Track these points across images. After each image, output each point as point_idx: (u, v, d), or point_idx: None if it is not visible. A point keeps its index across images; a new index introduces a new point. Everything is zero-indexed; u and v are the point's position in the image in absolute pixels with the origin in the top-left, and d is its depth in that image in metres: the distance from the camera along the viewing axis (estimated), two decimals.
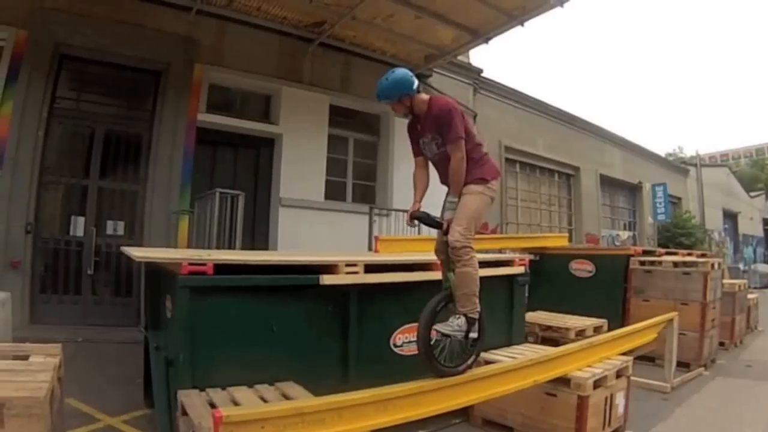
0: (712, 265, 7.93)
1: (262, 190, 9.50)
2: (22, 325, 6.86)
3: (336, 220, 9.43)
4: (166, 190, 8.32)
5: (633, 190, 19.76)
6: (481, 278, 3.71)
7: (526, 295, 8.29)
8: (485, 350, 4.37)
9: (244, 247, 7.43)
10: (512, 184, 13.91)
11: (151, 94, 8.67)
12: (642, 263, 8.38)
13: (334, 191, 10.12)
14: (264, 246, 8.97)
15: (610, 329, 6.67)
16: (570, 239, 15.42)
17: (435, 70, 11.36)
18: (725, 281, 9.48)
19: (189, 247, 7.93)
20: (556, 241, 9.97)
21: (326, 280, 4.03)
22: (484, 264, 4.69)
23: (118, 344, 6.80)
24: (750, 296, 10.93)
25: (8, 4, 7.36)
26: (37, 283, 7.59)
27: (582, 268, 8.97)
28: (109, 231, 8.12)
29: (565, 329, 6.50)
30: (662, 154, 25.42)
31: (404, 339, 4.54)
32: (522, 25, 8.96)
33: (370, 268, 4.35)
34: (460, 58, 11.75)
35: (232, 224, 7.33)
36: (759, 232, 33.00)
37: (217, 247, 7.04)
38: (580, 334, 6.42)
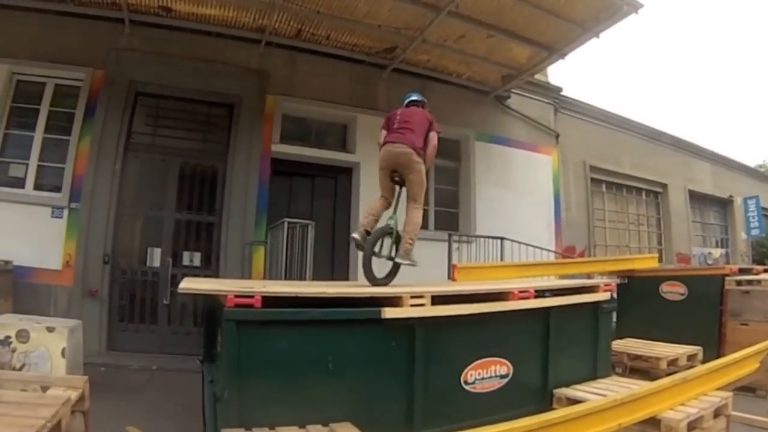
0: None
1: (341, 220, 9.05)
2: (100, 352, 7.09)
3: (418, 248, 8.58)
4: (242, 220, 8.15)
5: (724, 204, 17.97)
6: (562, 306, 4.37)
7: (614, 321, 7.58)
8: (567, 386, 4.39)
9: (319, 278, 7.07)
10: (599, 204, 12.67)
11: (225, 126, 8.63)
12: (738, 283, 7.37)
13: None
14: (344, 276, 8.51)
15: (705, 356, 6.09)
16: (660, 260, 14.06)
17: (513, 91, 10.55)
18: None
19: (264, 278, 7.69)
20: (645, 262, 8.87)
21: (388, 313, 3.55)
22: (564, 291, 4.77)
23: (192, 373, 6.50)
24: None
25: (85, 47, 7.71)
26: (115, 312, 7.65)
27: (673, 291, 8.01)
28: (186, 262, 8.08)
29: (655, 359, 5.65)
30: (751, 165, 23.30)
31: (477, 375, 3.99)
32: (597, 36, 8.22)
33: (438, 300, 3.82)
34: (538, 77, 10.86)
35: (303, 254, 7.06)
36: None
37: (288, 278, 6.92)
38: (673, 363, 5.68)
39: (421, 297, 3.71)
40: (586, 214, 11.59)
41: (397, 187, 5.29)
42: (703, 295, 7.65)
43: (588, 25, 8.09)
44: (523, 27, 8.26)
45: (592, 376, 4.72)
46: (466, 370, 3.95)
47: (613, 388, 4.31)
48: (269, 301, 3.31)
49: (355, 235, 5.04)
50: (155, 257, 7.94)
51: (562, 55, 8.90)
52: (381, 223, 5.24)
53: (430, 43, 8.70)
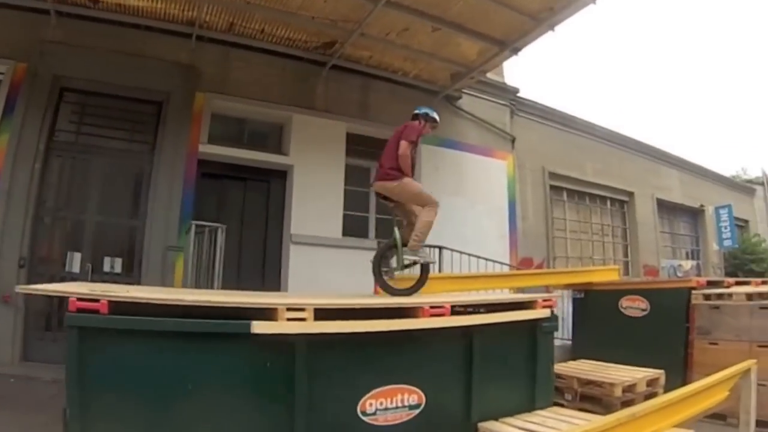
0: None
1: (273, 227, 8.43)
2: (12, 362, 6.70)
3: (357, 258, 7.89)
4: (165, 225, 7.58)
5: (694, 214, 17.47)
6: (489, 325, 3.91)
7: (569, 340, 7.86)
8: (496, 418, 3.90)
9: (245, 287, 6.62)
10: (559, 214, 11.98)
11: (153, 125, 8.03)
12: (707, 297, 6.66)
13: (354, 227, 8.81)
14: (276, 287, 7.89)
15: (669, 381, 5.66)
16: (626, 272, 13.50)
17: (465, 91, 9.94)
18: None
19: (184, 286, 7.07)
20: (605, 274, 8.23)
21: (259, 327, 3.01)
22: (495, 306, 4.33)
23: None
24: None
25: (7, 39, 7.19)
26: (30, 320, 7.12)
27: (634, 306, 7.34)
28: (106, 268, 7.49)
29: (609, 385, 5.08)
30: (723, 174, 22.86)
31: (378, 405, 3.42)
32: (552, 29, 7.66)
33: (325, 314, 3.27)
34: (493, 77, 10.28)
35: (211, 260, 6.70)
36: None
37: (196, 287, 6.58)
38: (630, 390, 5.16)
39: (301, 310, 3.15)
40: (545, 223, 10.91)
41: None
42: (667, 311, 6.99)
43: (542, 17, 7.54)
44: (471, 19, 7.68)
45: (529, 406, 4.18)
46: (363, 399, 3.37)
47: (549, 423, 3.84)
48: (121, 307, 2.89)
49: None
50: (75, 262, 7.38)
51: (515, 50, 8.31)
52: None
53: (371, 37, 8.08)
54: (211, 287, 6.42)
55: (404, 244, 4.99)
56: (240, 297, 3.56)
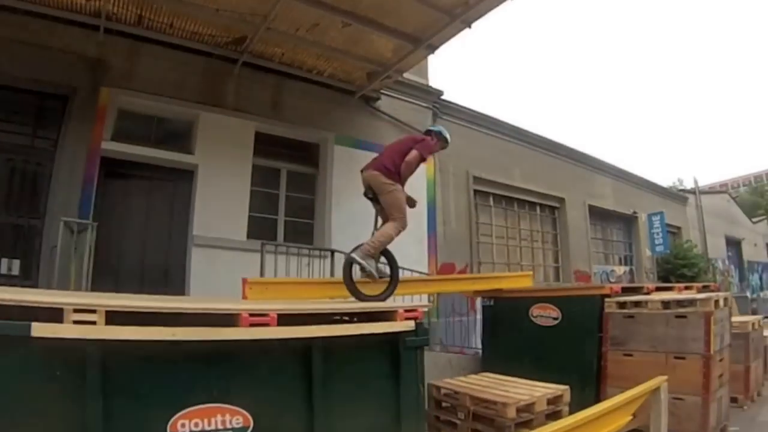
0: (717, 301, 5.77)
1: (178, 228, 7.98)
2: None
3: (234, 258, 7.67)
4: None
5: (628, 221, 17.71)
6: (333, 339, 3.39)
7: (482, 350, 7.55)
8: None
9: (104, 289, 5.91)
10: (485, 218, 11.83)
11: (57, 121, 7.53)
12: (621, 305, 6.21)
13: (262, 229, 8.43)
14: (180, 291, 7.45)
15: (582, 395, 5.47)
16: (557, 277, 13.47)
17: (385, 92, 9.69)
18: (735, 319, 7.31)
19: (77, 288, 6.47)
20: (517, 281, 7.81)
21: (40, 330, 2.50)
22: (341, 316, 4.00)
23: None
24: (766, 333, 8.81)
25: None
26: None
27: (545, 315, 6.92)
28: (3, 270, 6.98)
29: (501, 405, 4.58)
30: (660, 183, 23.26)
31: (193, 426, 2.90)
32: (469, 26, 7.44)
33: (124, 318, 2.80)
34: (415, 78, 10.07)
35: (80, 261, 6.33)
36: (764, 257, 30.90)
37: (73, 288, 6.10)
38: (527, 410, 4.72)
39: (91, 311, 2.68)
40: (468, 228, 10.71)
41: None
42: (580, 320, 6.56)
43: (456, 13, 7.30)
44: (382, 14, 7.39)
45: (393, 430, 3.67)
46: (174, 419, 2.88)
47: None
48: None
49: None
50: None
51: (431, 48, 8.08)
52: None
53: (280, 32, 7.74)
54: (80, 290, 6.01)
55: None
56: (28, 295, 3.05)
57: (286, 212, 8.85)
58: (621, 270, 16.88)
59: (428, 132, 5.64)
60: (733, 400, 6.72)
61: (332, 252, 7.84)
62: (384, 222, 5.17)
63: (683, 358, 5.50)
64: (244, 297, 5.08)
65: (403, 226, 5.04)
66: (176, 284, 7.65)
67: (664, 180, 39.25)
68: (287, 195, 8.89)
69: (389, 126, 9.73)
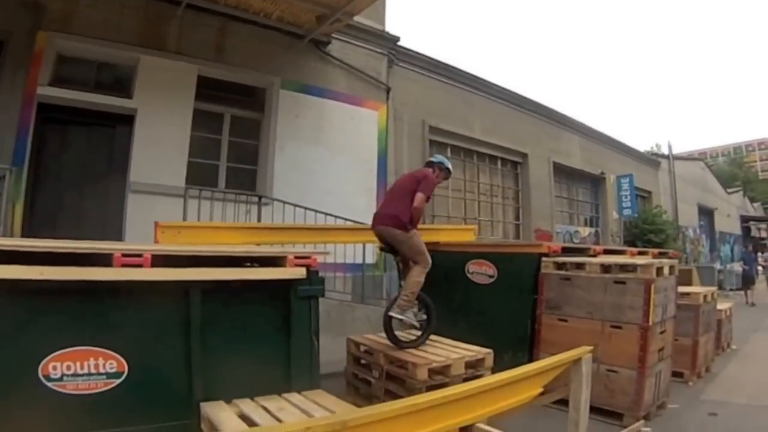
0: (660, 269, 5.31)
1: (117, 175, 7.68)
2: None
3: (202, 208, 7.31)
4: None
5: (595, 181, 17.61)
6: (216, 284, 3.30)
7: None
8: (228, 400, 3.28)
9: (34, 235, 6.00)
10: None
11: None
12: (559, 266, 5.79)
13: (203, 176, 8.13)
14: (117, 239, 7.14)
15: (515, 359, 5.02)
16: (517, 235, 13.35)
17: (338, 36, 9.34)
18: (684, 289, 7.06)
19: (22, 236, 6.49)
20: (457, 234, 7.53)
21: None
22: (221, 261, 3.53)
23: None
24: (721, 306, 8.55)
25: None
26: None
27: (481, 272, 6.48)
28: None
29: (412, 365, 4.24)
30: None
31: (65, 370, 2.89)
32: None
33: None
34: (370, 23, 9.78)
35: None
36: (737, 229, 31.18)
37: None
38: (443, 372, 4.37)
39: None
40: None
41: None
42: (516, 279, 6.18)
43: None
44: None
45: (284, 387, 3.54)
46: (45, 360, 2.83)
47: (290, 410, 3.18)
48: None
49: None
50: None
51: None
52: None
53: None
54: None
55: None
56: None
57: (229, 158, 8.58)
58: (586, 231, 16.84)
59: (429, 163, 5.61)
60: (678, 375, 6.50)
61: (259, 198, 7.68)
62: (404, 266, 5.14)
63: (620, 328, 5.18)
64: (156, 241, 4.83)
65: (427, 264, 5.02)
66: (113, 232, 7.37)
67: (642, 145, 39.31)
68: (230, 140, 8.60)
69: (340, 71, 9.42)
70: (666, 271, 5.49)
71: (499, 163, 13.12)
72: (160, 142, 7.64)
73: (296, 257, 3.68)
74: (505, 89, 13.14)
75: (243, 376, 3.41)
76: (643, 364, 5.02)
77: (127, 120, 7.70)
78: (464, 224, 11.72)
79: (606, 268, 5.44)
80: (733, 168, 57.77)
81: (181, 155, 7.84)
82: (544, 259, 5.93)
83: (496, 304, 6.22)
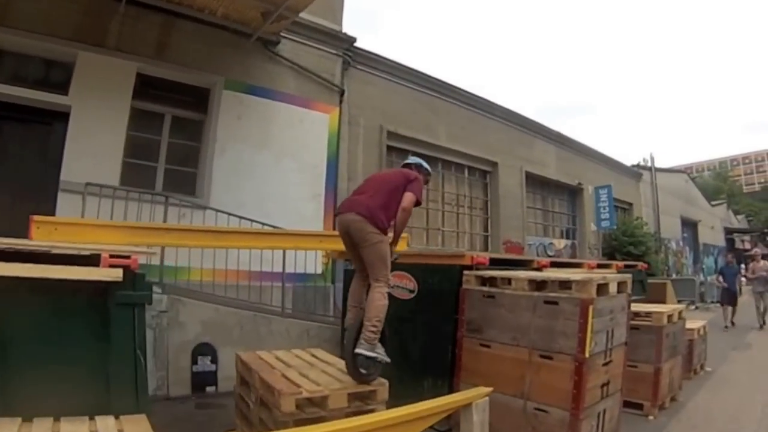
0: (603, 285, 4.41)
1: (49, 173, 7.35)
2: None
3: (131, 210, 6.98)
4: None
5: (572, 192, 17.38)
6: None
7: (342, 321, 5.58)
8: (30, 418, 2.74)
9: None
10: None
11: None
12: (483, 281, 4.99)
13: (140, 177, 7.84)
14: None
15: (435, 389, 4.64)
16: (485, 247, 13.02)
17: (288, 36, 9.09)
18: (650, 308, 6.38)
19: None
20: None
21: None
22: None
23: None
24: (693, 325, 7.85)
25: None
26: None
27: (401, 285, 5.62)
28: None
29: (279, 393, 3.50)
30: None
31: None
32: None
33: None
34: (325, 23, 9.54)
35: None
36: (720, 241, 31.24)
37: None
38: (317, 405, 3.60)
39: None
40: None
41: None
42: (437, 296, 5.41)
43: None
44: None
45: (105, 409, 3.03)
46: None
47: None
48: None
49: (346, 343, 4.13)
50: None
51: None
52: None
53: None
54: None
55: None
56: None
57: (169, 160, 8.25)
58: (561, 243, 16.56)
59: (407, 166, 4.80)
60: (637, 407, 5.78)
61: (166, 197, 7.25)
62: (358, 275, 4.43)
63: (550, 358, 4.31)
64: (30, 237, 4.41)
65: (388, 282, 4.20)
66: None
67: (629, 161, 39.30)
68: (171, 142, 8.28)
69: (290, 72, 9.11)
70: (612, 288, 4.57)
71: (466, 171, 12.81)
72: (95, 141, 7.35)
73: (112, 256, 3.17)
74: (474, 95, 12.87)
75: (52, 393, 2.95)
76: (577, 405, 4.11)
77: (63, 117, 7.42)
78: (426, 235, 11.41)
79: (536, 285, 4.59)
80: (718, 182, 59.07)
81: (115, 155, 7.54)
82: (466, 272, 5.15)
83: (416, 324, 5.47)
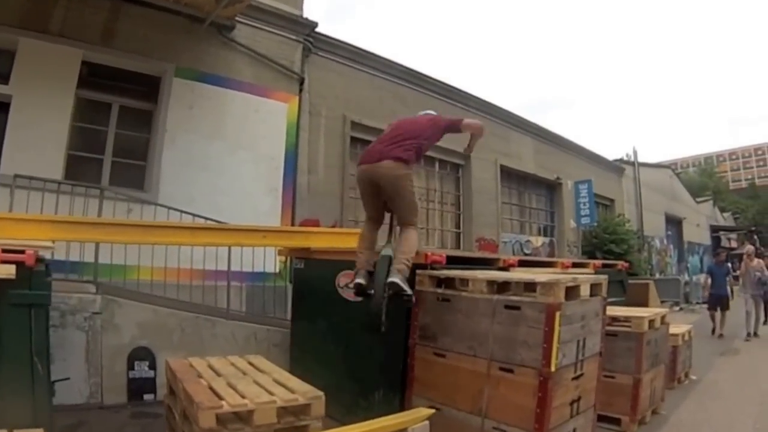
0: (572, 288, 3.92)
1: None
2: None
3: (76, 205, 6.71)
4: None
5: (550, 187, 17.26)
6: None
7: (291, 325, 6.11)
8: None
9: None
10: None
11: None
12: (437, 282, 4.48)
13: (85, 170, 7.59)
14: None
15: (386, 402, 4.36)
16: (457, 244, 12.84)
17: (245, 21, 8.85)
18: (629, 312, 5.88)
19: None
20: (338, 239, 6.60)
21: None
22: None
23: None
24: (678, 330, 7.46)
25: None
26: None
27: (351, 286, 4.87)
28: None
29: (197, 406, 3.23)
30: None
31: None
32: None
33: None
34: (285, 8, 9.29)
35: None
36: (706, 239, 31.34)
37: None
38: (243, 419, 3.32)
39: None
40: (341, 180, 9.88)
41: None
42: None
43: None
44: None
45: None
46: None
47: None
48: None
49: (359, 281, 4.33)
50: None
51: None
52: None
53: None
54: None
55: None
56: None
57: (116, 152, 7.99)
58: (539, 241, 16.46)
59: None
60: (614, 422, 5.38)
61: (101, 190, 6.97)
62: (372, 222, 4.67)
63: (511, 372, 3.82)
64: None
65: (416, 224, 4.45)
66: None
67: (613, 154, 39.38)
68: (119, 133, 8.02)
69: (246, 59, 8.86)
70: (584, 291, 4.08)
71: (436, 165, 12.63)
72: (37, 131, 7.12)
73: (4, 251, 2.97)
74: (444, 83, 12.68)
75: None
76: (541, 425, 3.62)
77: (4, 107, 7.17)
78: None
79: (497, 287, 4.09)
80: (704, 178, 59.67)
81: (58, 147, 7.32)
82: (419, 272, 4.59)
83: (355, 328, 4.92)
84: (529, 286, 3.86)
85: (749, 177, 70.42)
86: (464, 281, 4.27)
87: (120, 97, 8.04)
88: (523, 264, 5.75)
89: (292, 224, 8.74)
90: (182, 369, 4.07)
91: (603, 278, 4.51)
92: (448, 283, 4.40)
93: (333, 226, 9.17)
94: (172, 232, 5.90)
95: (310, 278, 5.85)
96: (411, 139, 4.36)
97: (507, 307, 3.90)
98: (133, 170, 8.01)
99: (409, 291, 4.13)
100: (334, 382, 3.89)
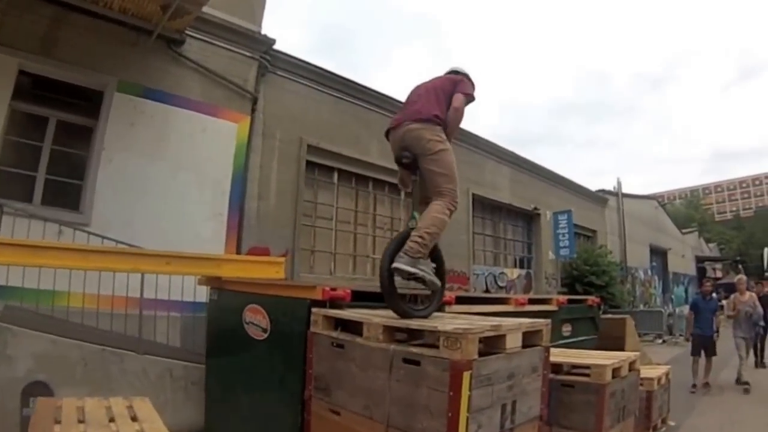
0: (496, 339, 3.31)
1: None
2: None
3: (11, 226, 6.33)
4: None
5: (528, 218, 17.19)
6: None
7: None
8: None
9: None
10: (326, 198, 10.77)
11: None
12: (334, 324, 3.98)
13: (15, 187, 7.31)
14: None
15: None
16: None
17: (196, 35, 8.72)
18: (590, 360, 4.97)
19: None
20: (255, 269, 6.22)
21: None
22: None
23: None
24: (653, 373, 6.78)
25: None
26: None
27: (255, 322, 4.84)
28: None
29: None
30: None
31: None
32: None
33: None
34: (241, 23, 9.15)
35: None
36: (691, 270, 31.50)
37: None
38: None
39: None
40: (294, 207, 9.65)
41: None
42: (286, 339, 4.45)
43: None
44: None
45: None
46: None
47: None
48: None
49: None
50: None
51: None
52: None
53: None
54: None
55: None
56: None
57: (51, 170, 7.71)
58: (515, 273, 16.30)
59: (455, 72, 4.52)
60: None
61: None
62: (422, 202, 4.13)
63: None
64: None
65: (453, 202, 3.98)
66: None
67: (600, 186, 39.62)
68: (55, 149, 7.77)
69: (195, 75, 8.68)
70: (512, 341, 3.39)
71: (402, 193, 12.41)
72: None
73: None
74: None
75: None
76: None
77: None
78: (353, 262, 10.96)
79: (396, 334, 3.53)
80: (690, 210, 61.55)
81: None
82: (314, 310, 4.12)
83: (267, 373, 4.69)
84: (432, 335, 3.25)
85: (734, 209, 74.79)
86: (358, 325, 3.69)
87: (58, 111, 7.80)
88: (462, 301, 5.32)
89: (238, 252, 8.48)
90: (43, 412, 3.33)
91: (543, 323, 3.83)
92: (345, 325, 3.88)
93: (284, 255, 8.91)
94: (59, 254, 5.44)
95: (222, 311, 5.58)
96: (436, 98, 4.17)
97: (406, 360, 3.26)
98: (68, 189, 7.74)
99: (418, 273, 3.69)
100: None
